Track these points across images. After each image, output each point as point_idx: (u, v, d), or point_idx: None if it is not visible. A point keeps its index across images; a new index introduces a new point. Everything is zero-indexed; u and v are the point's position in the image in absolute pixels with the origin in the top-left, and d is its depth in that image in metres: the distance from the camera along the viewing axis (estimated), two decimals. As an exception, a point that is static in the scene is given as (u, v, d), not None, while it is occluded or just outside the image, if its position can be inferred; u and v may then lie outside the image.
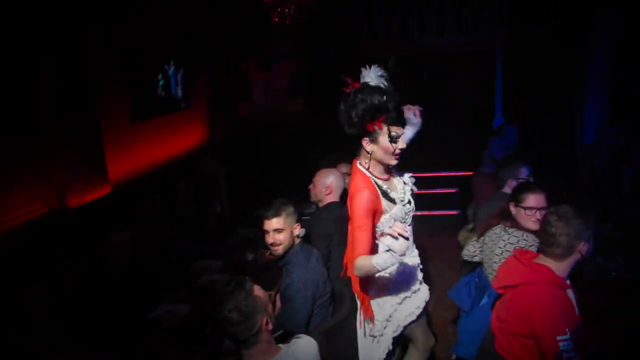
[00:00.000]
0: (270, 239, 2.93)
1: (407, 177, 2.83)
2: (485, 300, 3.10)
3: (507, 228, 3.13)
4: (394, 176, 2.79)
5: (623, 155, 4.71)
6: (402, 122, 2.59)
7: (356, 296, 2.84)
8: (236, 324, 2.09)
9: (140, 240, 3.77)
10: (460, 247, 3.95)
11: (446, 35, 8.12)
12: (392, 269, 2.35)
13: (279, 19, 4.80)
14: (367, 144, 2.59)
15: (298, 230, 2.97)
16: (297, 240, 3.01)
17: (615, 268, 3.20)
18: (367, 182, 2.62)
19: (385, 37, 8.25)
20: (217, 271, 3.82)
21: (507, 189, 3.70)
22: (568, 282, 2.36)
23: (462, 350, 3.26)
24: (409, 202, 2.77)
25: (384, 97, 2.48)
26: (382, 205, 2.63)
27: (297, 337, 2.34)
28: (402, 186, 2.78)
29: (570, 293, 2.35)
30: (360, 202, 2.52)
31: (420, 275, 2.94)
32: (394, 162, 2.63)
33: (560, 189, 4.47)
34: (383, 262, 2.32)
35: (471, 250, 3.48)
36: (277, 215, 2.91)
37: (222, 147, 6.48)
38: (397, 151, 2.59)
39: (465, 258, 3.58)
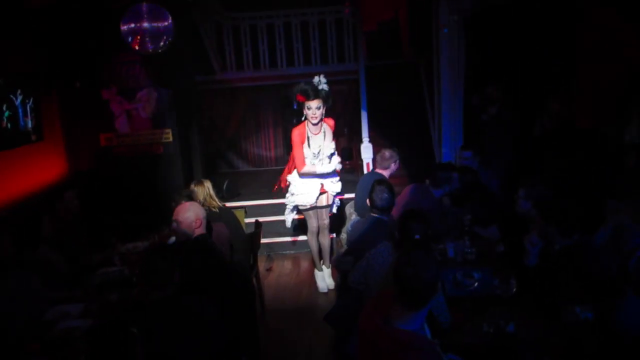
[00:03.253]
0: None
1: (335, 157, 5.28)
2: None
3: (393, 252, 3.23)
4: (321, 137, 5.11)
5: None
6: (312, 98, 4.91)
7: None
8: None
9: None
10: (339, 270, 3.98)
11: (313, 65, 8.41)
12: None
13: (139, 47, 4.57)
14: (304, 110, 4.93)
15: None
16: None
17: (472, 283, 3.40)
18: (301, 128, 5.05)
19: (255, 66, 8.37)
20: (77, 317, 3.47)
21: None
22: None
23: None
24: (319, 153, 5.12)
25: (306, 86, 4.90)
26: (305, 140, 5.02)
27: None
28: (319, 144, 5.09)
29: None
30: (293, 137, 4.96)
31: (317, 192, 5.19)
32: (314, 121, 4.97)
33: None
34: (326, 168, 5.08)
35: (357, 277, 3.47)
36: None
37: (82, 180, 6.06)
38: (313, 115, 4.95)
39: (352, 285, 3.53)
